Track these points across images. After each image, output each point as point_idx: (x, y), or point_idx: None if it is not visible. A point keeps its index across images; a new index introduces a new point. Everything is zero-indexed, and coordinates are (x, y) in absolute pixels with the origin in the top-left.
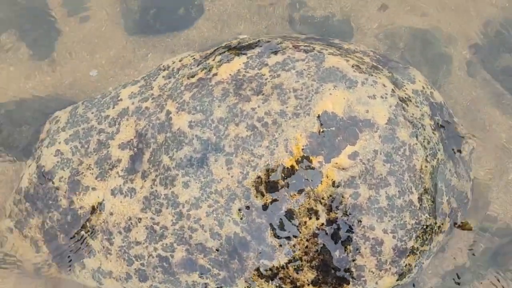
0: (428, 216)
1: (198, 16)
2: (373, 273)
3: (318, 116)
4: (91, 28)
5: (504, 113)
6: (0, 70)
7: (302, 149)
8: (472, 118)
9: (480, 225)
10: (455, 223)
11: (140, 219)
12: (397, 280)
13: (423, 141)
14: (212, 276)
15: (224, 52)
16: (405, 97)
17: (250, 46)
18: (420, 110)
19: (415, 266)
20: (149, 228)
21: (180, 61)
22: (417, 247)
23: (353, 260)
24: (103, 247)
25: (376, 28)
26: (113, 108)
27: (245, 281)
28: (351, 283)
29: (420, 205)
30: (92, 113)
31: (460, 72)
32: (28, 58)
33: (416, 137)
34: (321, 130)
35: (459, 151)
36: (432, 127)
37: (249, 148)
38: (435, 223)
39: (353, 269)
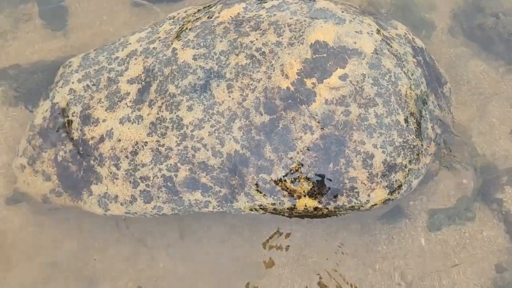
0: (415, 137)
1: None
2: (365, 185)
3: (311, 45)
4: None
5: (485, 65)
6: (17, 37)
7: (297, 72)
8: (454, 73)
9: (467, 163)
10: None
11: (147, 142)
12: (388, 194)
13: (407, 72)
14: (214, 194)
15: (226, 1)
16: (389, 37)
17: None
18: (404, 49)
19: (404, 183)
20: (155, 150)
21: (185, 12)
22: (405, 164)
23: (346, 172)
24: (110, 172)
25: None
26: (122, 50)
27: (245, 196)
28: (344, 194)
29: (407, 126)
30: (103, 56)
31: (441, 35)
32: (42, 27)
33: (401, 68)
34: (314, 56)
35: (441, 87)
36: (415, 64)
37: (248, 73)
38: (422, 145)
39: (346, 181)
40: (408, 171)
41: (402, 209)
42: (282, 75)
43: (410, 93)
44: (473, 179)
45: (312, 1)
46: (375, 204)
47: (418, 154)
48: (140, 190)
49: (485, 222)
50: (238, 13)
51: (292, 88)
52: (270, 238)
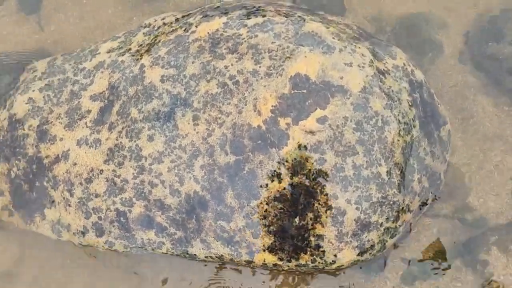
0: (396, 192)
1: None
2: (333, 244)
3: (291, 78)
4: None
5: (492, 102)
6: None
7: (271, 109)
8: (457, 105)
9: (455, 213)
10: (424, 203)
11: (102, 170)
12: (358, 255)
13: (398, 115)
14: (168, 235)
15: (206, 11)
16: (384, 70)
17: (233, 8)
18: (399, 85)
19: (378, 243)
20: (110, 180)
21: (162, 19)
22: (381, 223)
23: (313, 229)
24: (64, 198)
25: (366, 10)
26: (90, 61)
27: (201, 242)
28: (308, 252)
29: (388, 179)
30: (70, 64)
31: (450, 59)
32: (16, 11)
33: (391, 110)
34: (292, 91)
35: (437, 130)
36: (410, 103)
37: (218, 105)
38: (403, 200)
39: (311, 238)
40: (384, 230)
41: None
42: (254, 111)
43: (398, 140)
44: (458, 233)
45: (301, 21)
46: (342, 266)
47: (397, 211)
48: (92, 222)
49: (463, 283)
50: (217, 30)
51: (263, 127)
52: None
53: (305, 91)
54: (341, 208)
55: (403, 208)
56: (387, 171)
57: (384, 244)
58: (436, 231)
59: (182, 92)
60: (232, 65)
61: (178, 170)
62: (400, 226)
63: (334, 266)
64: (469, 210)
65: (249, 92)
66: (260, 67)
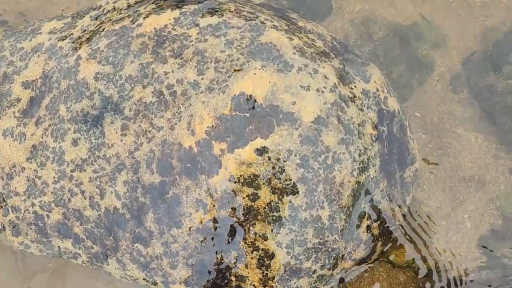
0: (337, 238)
1: None
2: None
3: (234, 97)
4: None
5: (478, 139)
6: None
7: (206, 130)
8: (438, 137)
9: (411, 263)
10: (373, 250)
11: (24, 168)
12: None
13: (354, 152)
14: (85, 248)
15: (160, 1)
16: (349, 96)
17: (191, 0)
18: (364, 116)
19: None
20: (31, 180)
21: (114, 2)
22: (315, 270)
23: (235, 268)
24: None
25: (356, 12)
26: (30, 40)
27: (117, 262)
28: None
29: (330, 223)
30: (9, 42)
31: (437, 84)
32: None
33: (346, 146)
34: (233, 113)
35: (402, 170)
36: (373, 138)
37: (150, 116)
38: (345, 247)
39: (233, 278)
40: (317, 277)
41: None
42: (188, 129)
43: (349, 181)
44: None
45: (261, 28)
46: None
47: (336, 259)
48: (10, 220)
49: None
50: (166, 26)
51: (195, 150)
52: None
53: (247, 114)
54: (270, 251)
55: (343, 255)
56: (329, 215)
57: None
58: (387, 283)
59: (115, 95)
60: (172, 71)
61: (100, 182)
62: (337, 274)
63: None
64: (426, 260)
65: (185, 107)
66: (202, 78)
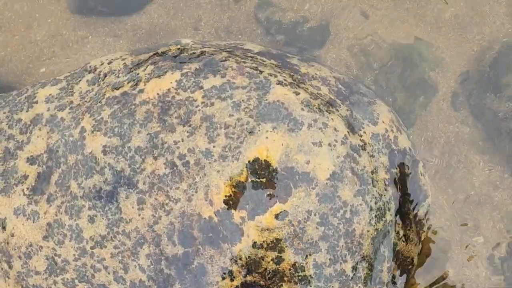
0: (361, 287)
1: None
2: None
3: (248, 163)
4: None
5: (485, 160)
6: None
7: (224, 200)
8: (446, 160)
9: None
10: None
11: (42, 247)
12: None
13: (370, 201)
14: None
15: (159, 61)
16: (360, 145)
17: (189, 58)
18: (376, 161)
19: None
20: (50, 258)
21: (109, 63)
22: None
23: None
24: (1, 268)
25: (352, 38)
26: (27, 111)
27: None
28: None
29: (354, 274)
30: (4, 113)
31: (442, 104)
32: None
33: (362, 196)
34: (249, 180)
35: (415, 209)
36: (386, 182)
37: (165, 188)
38: None
39: None
40: None
41: None
42: (206, 200)
43: (368, 231)
44: None
45: (266, 85)
46: None
47: None
48: None
49: None
50: (169, 90)
51: (215, 219)
52: None
53: (264, 180)
54: None
55: None
56: (352, 267)
57: None
58: None
59: (126, 168)
60: (182, 140)
61: (122, 257)
62: None
63: None
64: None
65: (200, 177)
66: (214, 146)
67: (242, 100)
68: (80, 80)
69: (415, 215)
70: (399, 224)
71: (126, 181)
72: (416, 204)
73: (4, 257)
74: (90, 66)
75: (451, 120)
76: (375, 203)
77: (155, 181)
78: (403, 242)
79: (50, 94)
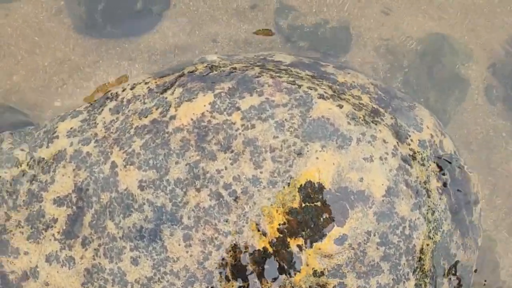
0: None
1: (162, 14)
2: None
3: (300, 187)
4: (30, 23)
5: None
6: None
7: (278, 228)
8: (486, 156)
9: None
10: None
11: None
12: None
13: (427, 213)
14: None
15: (187, 83)
16: (410, 155)
17: (219, 77)
18: (427, 170)
19: None
20: None
21: (131, 89)
22: None
23: None
24: None
25: (377, 39)
26: (47, 147)
27: None
28: None
29: None
30: (22, 150)
31: (477, 98)
32: None
33: (419, 209)
34: (303, 205)
35: (470, 215)
36: (439, 191)
37: (213, 222)
38: None
39: None
40: None
41: None
42: (258, 230)
43: (427, 244)
44: None
45: (308, 101)
46: None
47: None
48: None
49: None
50: (203, 114)
51: (270, 250)
52: None
53: (318, 203)
54: None
55: None
56: (415, 284)
57: None
58: None
59: (167, 203)
60: (226, 168)
61: None
62: None
63: None
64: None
65: (250, 207)
66: (261, 172)
67: (285, 119)
68: (102, 110)
69: (471, 221)
70: (456, 233)
71: (169, 217)
72: (469, 210)
73: None
74: (111, 94)
75: (487, 114)
76: (432, 214)
77: (201, 215)
78: (462, 251)
79: (71, 128)
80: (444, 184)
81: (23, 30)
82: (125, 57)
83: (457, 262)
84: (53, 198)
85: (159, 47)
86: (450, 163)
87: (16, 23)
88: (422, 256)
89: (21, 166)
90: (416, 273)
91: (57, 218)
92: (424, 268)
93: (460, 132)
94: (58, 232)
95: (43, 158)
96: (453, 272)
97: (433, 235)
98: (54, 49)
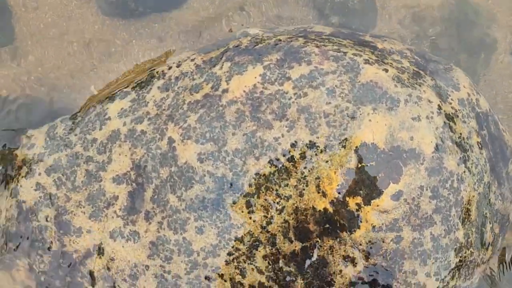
0: (472, 251)
1: None
2: None
3: (356, 149)
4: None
5: None
6: None
7: (337, 189)
8: None
9: None
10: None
11: (148, 266)
12: None
13: (471, 167)
14: None
15: (234, 57)
16: (452, 113)
17: (266, 49)
18: (467, 126)
19: None
20: (159, 276)
21: (178, 67)
22: (459, 285)
23: None
24: None
25: (402, 7)
26: (100, 129)
27: None
28: None
29: (465, 240)
30: (75, 135)
31: (503, 59)
32: None
33: (464, 163)
34: (359, 165)
35: (506, 167)
36: (480, 145)
37: (274, 187)
38: (478, 255)
39: None
40: None
41: None
42: (318, 192)
43: (473, 196)
44: None
45: (355, 67)
46: None
47: (473, 268)
48: None
49: None
50: (255, 86)
51: (330, 210)
52: None
53: (374, 163)
54: (421, 283)
55: (477, 263)
56: (464, 234)
57: None
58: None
59: (228, 173)
60: (283, 136)
61: (238, 263)
62: (475, 280)
63: None
64: None
65: (309, 171)
66: (317, 137)
67: (336, 86)
68: (151, 89)
69: (507, 173)
70: (494, 184)
71: (231, 186)
72: (506, 162)
73: (107, 283)
74: (157, 72)
75: None
76: (475, 167)
77: (262, 182)
78: (500, 201)
79: (121, 108)
80: (484, 139)
81: (52, 17)
82: (155, 36)
83: (497, 211)
84: (112, 177)
85: (190, 23)
86: (486, 119)
87: (45, 12)
88: (469, 207)
89: (74, 148)
90: (465, 223)
91: (117, 196)
92: (471, 218)
93: (489, 93)
94: (120, 209)
95: (96, 139)
96: (494, 220)
97: (477, 187)
98: (84, 33)
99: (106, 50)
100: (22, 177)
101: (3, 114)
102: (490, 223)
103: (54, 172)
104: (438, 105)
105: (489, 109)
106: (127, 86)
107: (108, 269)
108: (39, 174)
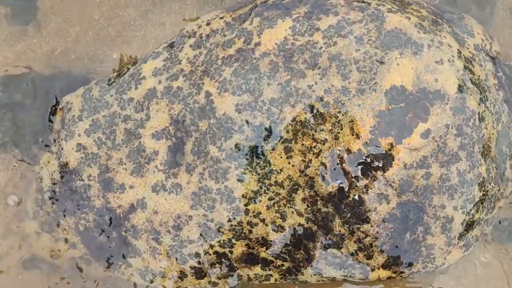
0: (494, 185)
1: None
2: (442, 250)
3: (386, 92)
4: None
5: None
6: None
7: (370, 130)
8: None
9: None
10: None
11: (191, 216)
12: (464, 252)
13: (490, 106)
14: (275, 268)
15: (263, 12)
16: (470, 57)
17: (293, 3)
18: (484, 69)
19: (480, 235)
20: (203, 225)
21: (207, 25)
22: (483, 218)
23: (424, 240)
24: (150, 247)
25: None
26: (136, 89)
27: (312, 269)
28: (420, 261)
29: (488, 175)
30: (111, 95)
31: (504, 13)
32: (8, 22)
33: (484, 103)
34: (390, 107)
35: None
36: (496, 87)
37: (310, 132)
38: (499, 190)
39: (423, 249)
40: (484, 222)
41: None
42: (352, 134)
43: (493, 133)
44: None
45: (380, 15)
46: (450, 264)
47: (494, 202)
48: (191, 266)
49: None
50: (286, 38)
51: (364, 151)
52: None
53: (403, 104)
54: (449, 216)
55: (498, 197)
56: (486, 169)
57: (484, 233)
58: None
59: (265, 121)
60: (316, 83)
61: (279, 207)
62: (496, 213)
63: (443, 267)
64: None
65: (342, 115)
66: (349, 83)
67: (363, 34)
68: (183, 47)
69: None
70: (511, 123)
71: (269, 134)
72: None
73: (151, 235)
74: (187, 31)
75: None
76: (493, 106)
77: (298, 127)
78: None
79: (155, 68)
80: (500, 81)
81: None
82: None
83: None
84: (151, 133)
85: None
86: (500, 62)
87: None
88: (490, 144)
89: (111, 108)
90: (487, 159)
91: (158, 151)
92: (491, 155)
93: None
94: (161, 163)
95: (133, 98)
96: None
97: (496, 125)
98: (102, 3)
99: (127, 19)
100: (63, 140)
101: (30, 87)
102: (510, 160)
103: (94, 132)
104: (458, 49)
105: (501, 52)
106: (158, 47)
107: (151, 222)
108: (79, 135)
